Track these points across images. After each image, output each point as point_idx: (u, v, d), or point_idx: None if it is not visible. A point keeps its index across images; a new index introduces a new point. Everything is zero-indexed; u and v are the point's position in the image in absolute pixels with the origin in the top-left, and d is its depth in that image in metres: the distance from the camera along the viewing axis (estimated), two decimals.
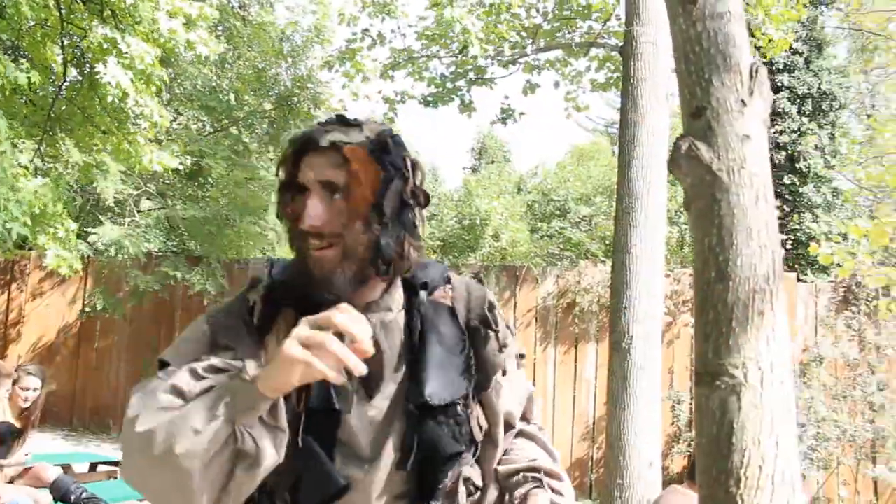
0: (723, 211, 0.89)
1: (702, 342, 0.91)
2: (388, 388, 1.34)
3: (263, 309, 1.35)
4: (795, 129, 11.53)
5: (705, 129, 0.95)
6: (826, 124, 11.88)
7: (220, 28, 12.03)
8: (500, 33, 9.71)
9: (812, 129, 11.65)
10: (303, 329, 1.07)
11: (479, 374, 1.39)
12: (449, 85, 11.12)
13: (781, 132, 11.62)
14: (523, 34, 10.34)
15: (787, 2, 8.07)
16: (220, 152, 10.67)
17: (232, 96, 11.30)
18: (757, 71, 1.00)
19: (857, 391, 7.49)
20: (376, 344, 1.22)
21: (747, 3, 8.35)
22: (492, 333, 1.42)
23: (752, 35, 8.36)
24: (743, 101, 0.96)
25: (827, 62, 12.17)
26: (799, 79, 11.65)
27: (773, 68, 10.66)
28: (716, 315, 0.90)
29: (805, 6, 8.68)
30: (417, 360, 1.34)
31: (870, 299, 7.85)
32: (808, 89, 11.69)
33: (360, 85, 10.20)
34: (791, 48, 9.32)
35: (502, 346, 1.43)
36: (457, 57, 10.22)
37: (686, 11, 1.01)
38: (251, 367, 1.20)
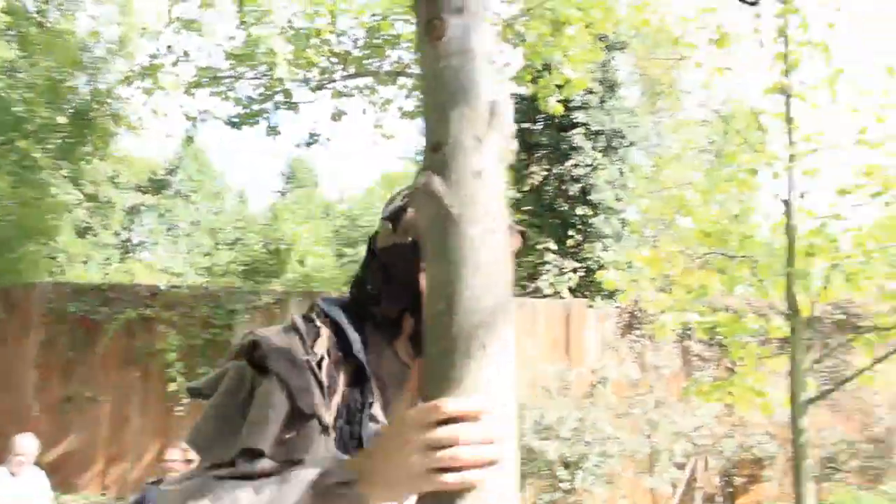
0: (451, 245, 0.90)
1: (427, 375, 0.91)
2: None
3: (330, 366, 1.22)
4: (589, 163, 12.30)
5: (442, 164, 0.96)
6: (617, 160, 12.76)
7: (10, 32, 11.10)
8: (308, 58, 9.64)
9: (604, 165, 12.47)
10: (425, 432, 0.91)
11: None
12: (255, 107, 10.88)
13: (576, 166, 12.35)
14: (333, 60, 10.33)
15: (584, 45, 8.61)
16: (4, 167, 9.81)
17: (22, 107, 10.43)
18: (496, 108, 1.02)
19: (637, 409, 8.03)
20: None
21: (547, 44, 8.86)
22: None
23: (550, 74, 8.86)
24: (478, 137, 0.97)
25: (619, 102, 13.10)
26: (594, 117, 12.46)
27: (571, 106, 11.33)
28: (442, 348, 0.91)
29: (600, 49, 9.31)
30: None
31: (650, 323, 8.47)
32: (602, 127, 12.51)
33: (159, 102, 9.75)
34: (587, 88, 9.94)
35: None
36: (263, 78, 10.04)
37: (432, 46, 1.03)
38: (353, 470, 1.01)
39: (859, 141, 5.58)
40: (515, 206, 11.96)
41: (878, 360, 5.57)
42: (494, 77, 1.01)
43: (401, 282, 1.26)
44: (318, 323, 1.24)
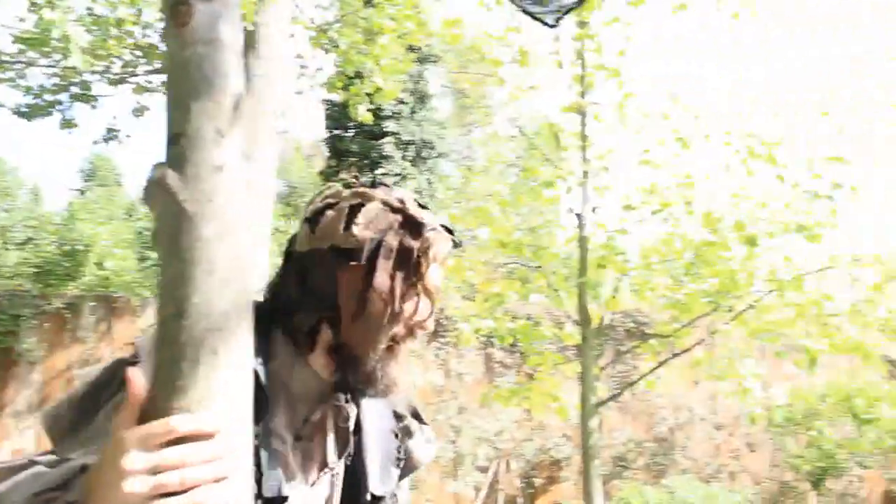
0: (185, 244, 0.84)
1: (157, 384, 0.84)
2: (326, 476, 1.22)
3: None
4: (398, 172, 12.45)
5: (179, 158, 0.90)
6: (426, 170, 12.99)
7: None
8: (109, 48, 9.08)
9: (413, 174, 12.65)
10: (148, 454, 0.82)
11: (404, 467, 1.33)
12: (49, 97, 10.09)
13: (385, 174, 12.45)
14: (137, 53, 9.79)
15: (396, 55, 8.67)
16: None
17: None
18: (240, 102, 0.96)
19: (441, 415, 8.17)
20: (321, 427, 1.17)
21: (359, 52, 8.85)
22: (420, 425, 1.35)
23: (361, 82, 8.85)
24: (220, 131, 0.92)
25: (430, 114, 13.35)
26: (404, 127, 12.61)
27: (381, 115, 11.40)
28: (171, 354, 0.84)
29: (412, 61, 9.42)
30: (358, 444, 1.24)
31: (455, 331, 8.65)
32: (412, 137, 12.69)
33: None
34: (398, 98, 10.03)
35: (427, 441, 1.36)
36: (57, 67, 9.33)
37: (177, 32, 0.95)
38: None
39: (642, 160, 5.99)
40: None
41: (659, 365, 5.99)
42: (241, 69, 0.96)
43: (318, 290, 1.17)
44: None
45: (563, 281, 6.09)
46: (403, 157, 12.52)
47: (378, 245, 1.16)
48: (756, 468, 13.64)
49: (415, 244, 1.18)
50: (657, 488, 9.86)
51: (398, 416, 1.34)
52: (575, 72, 6.58)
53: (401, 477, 1.32)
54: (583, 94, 6.51)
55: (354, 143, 12.42)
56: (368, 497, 1.23)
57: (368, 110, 8.62)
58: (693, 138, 5.56)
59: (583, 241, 6.03)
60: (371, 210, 1.18)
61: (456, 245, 1.26)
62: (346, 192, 1.22)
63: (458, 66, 16.47)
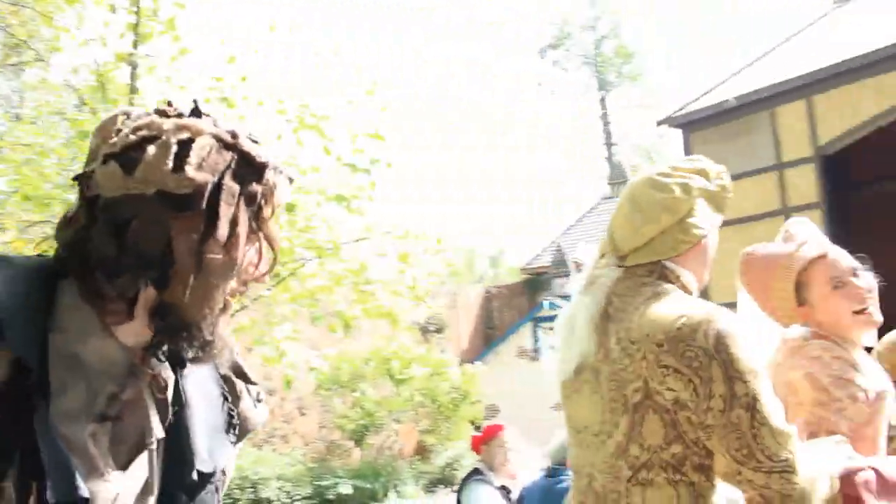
0: None
1: None
2: (143, 456, 1.03)
3: None
4: None
5: None
6: None
7: None
8: None
9: None
10: None
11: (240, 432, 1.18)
12: None
13: None
14: None
15: None
16: None
17: None
18: None
19: None
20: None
21: None
22: (248, 386, 1.21)
23: None
24: None
25: None
26: None
27: None
28: None
29: None
30: (180, 417, 1.08)
31: None
32: None
33: None
34: None
35: (258, 400, 1.22)
36: None
37: None
38: None
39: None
40: None
41: None
42: None
43: (142, 244, 0.96)
44: None
45: None
46: None
47: (217, 189, 0.99)
48: (306, 430, 14.36)
49: (258, 188, 1.04)
50: None
51: (224, 378, 1.18)
52: (129, 20, 6.13)
53: (236, 443, 1.17)
54: (135, 45, 6.10)
55: None
56: (195, 476, 1.06)
57: None
58: (241, 101, 5.55)
59: None
60: (203, 146, 1.00)
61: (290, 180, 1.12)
62: (167, 123, 1.00)
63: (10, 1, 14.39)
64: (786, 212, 9.06)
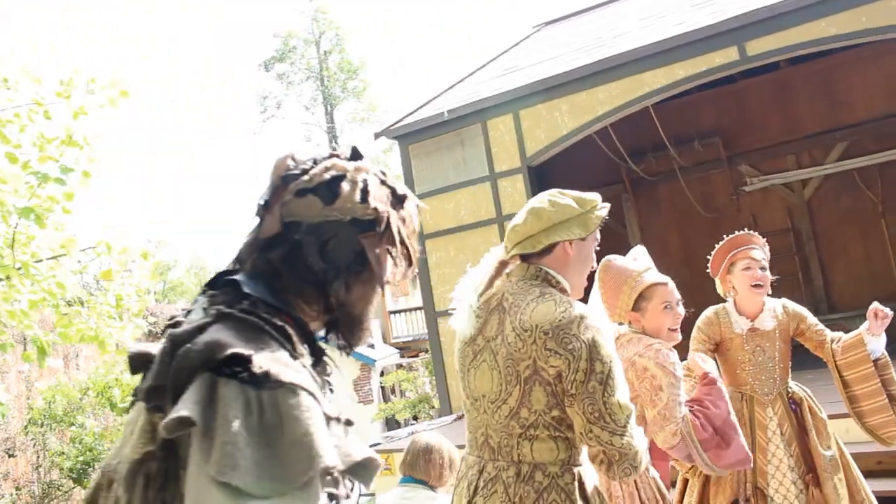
0: None
1: None
2: None
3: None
4: None
5: None
6: None
7: None
8: None
9: None
10: None
11: None
12: None
13: None
14: None
15: None
16: None
17: None
18: None
19: None
20: None
21: None
22: None
23: None
24: None
25: None
26: None
27: None
28: None
29: None
30: None
31: None
32: None
33: None
34: None
35: None
36: None
37: None
38: None
39: None
40: None
41: None
42: None
43: (338, 257, 1.29)
44: (267, 316, 1.21)
45: None
46: None
47: (389, 216, 1.34)
48: (18, 472, 12.94)
49: (404, 213, 1.39)
50: None
51: None
52: None
53: None
54: None
55: None
56: None
57: None
58: None
59: None
60: (374, 183, 1.34)
61: None
62: (348, 164, 1.34)
63: None
64: (499, 220, 9.68)
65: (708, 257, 3.85)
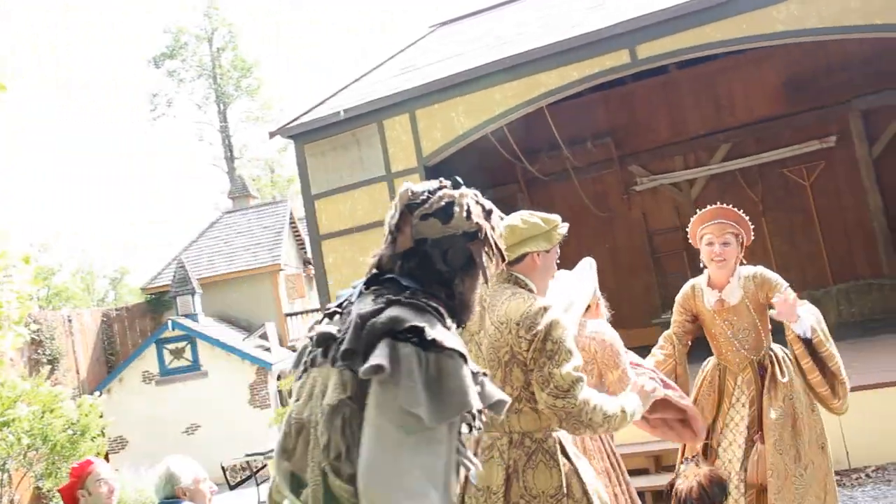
0: None
1: None
2: None
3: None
4: None
5: None
6: None
7: None
8: None
9: None
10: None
11: None
12: None
13: None
14: None
15: None
16: None
17: None
18: None
19: None
20: None
21: None
22: None
23: None
24: None
25: None
26: None
27: None
28: None
29: None
30: None
31: None
32: None
33: None
34: None
35: None
36: None
37: None
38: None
39: None
40: None
41: None
42: None
43: (455, 261, 1.77)
44: (426, 301, 1.67)
45: None
46: None
47: (485, 227, 1.82)
48: None
49: (495, 223, 1.88)
50: None
51: None
52: None
53: None
54: None
55: None
56: None
57: None
58: None
59: None
60: (473, 205, 1.82)
61: None
62: (456, 192, 1.82)
63: None
64: None
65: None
